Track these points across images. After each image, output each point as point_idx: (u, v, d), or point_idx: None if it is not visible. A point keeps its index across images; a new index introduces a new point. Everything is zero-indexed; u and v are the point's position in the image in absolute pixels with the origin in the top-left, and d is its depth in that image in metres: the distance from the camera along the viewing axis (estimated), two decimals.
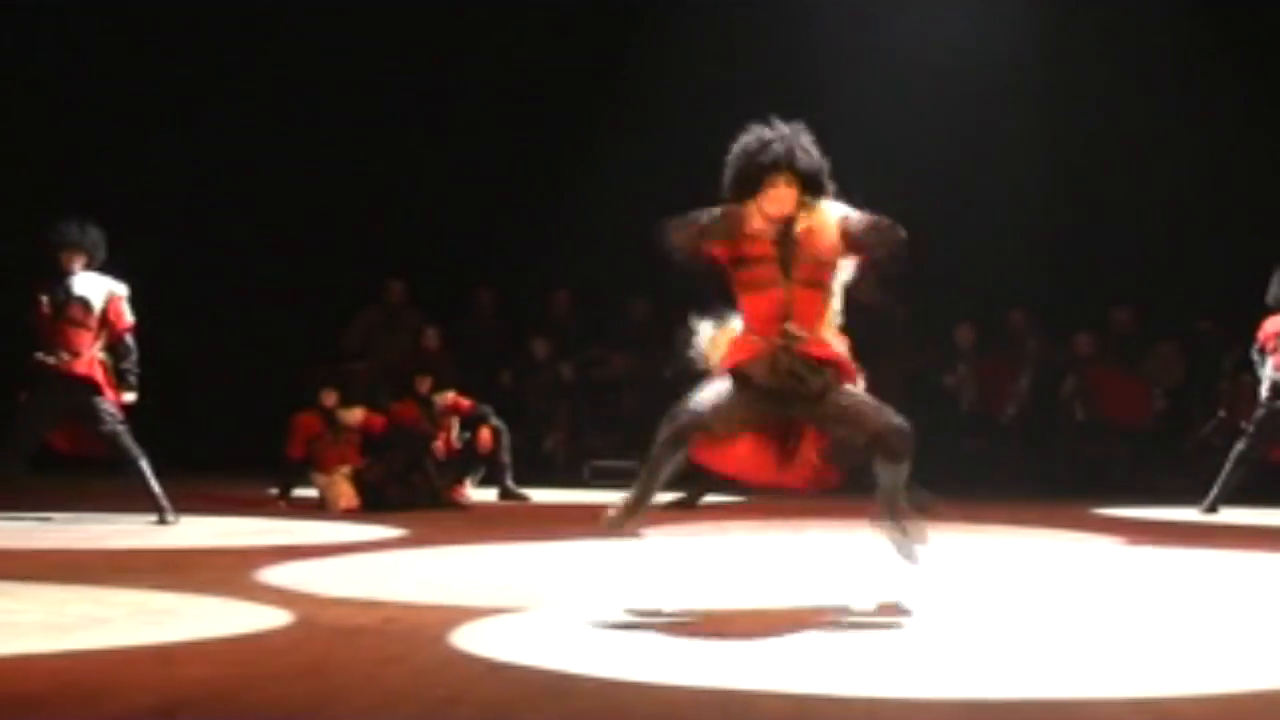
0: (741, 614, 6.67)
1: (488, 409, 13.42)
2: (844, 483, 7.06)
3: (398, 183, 16.67)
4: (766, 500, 12.90)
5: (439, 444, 12.84)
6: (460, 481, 12.98)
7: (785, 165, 6.70)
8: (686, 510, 12.21)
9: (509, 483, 13.34)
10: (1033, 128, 16.02)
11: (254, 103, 16.39)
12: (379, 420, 12.50)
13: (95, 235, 10.79)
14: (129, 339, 10.79)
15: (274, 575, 7.74)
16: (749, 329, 6.85)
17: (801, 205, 6.72)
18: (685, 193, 6.93)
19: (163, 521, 10.51)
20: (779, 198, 6.71)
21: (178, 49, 16.50)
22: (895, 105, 15.84)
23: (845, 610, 6.81)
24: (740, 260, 6.77)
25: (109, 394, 10.65)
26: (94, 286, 10.72)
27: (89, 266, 10.74)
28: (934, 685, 5.19)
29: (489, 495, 13.23)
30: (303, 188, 16.50)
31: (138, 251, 11.08)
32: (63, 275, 10.68)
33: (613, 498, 7.01)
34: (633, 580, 8.01)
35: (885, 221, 6.68)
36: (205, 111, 16.29)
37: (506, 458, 13.39)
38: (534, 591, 7.39)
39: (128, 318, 10.78)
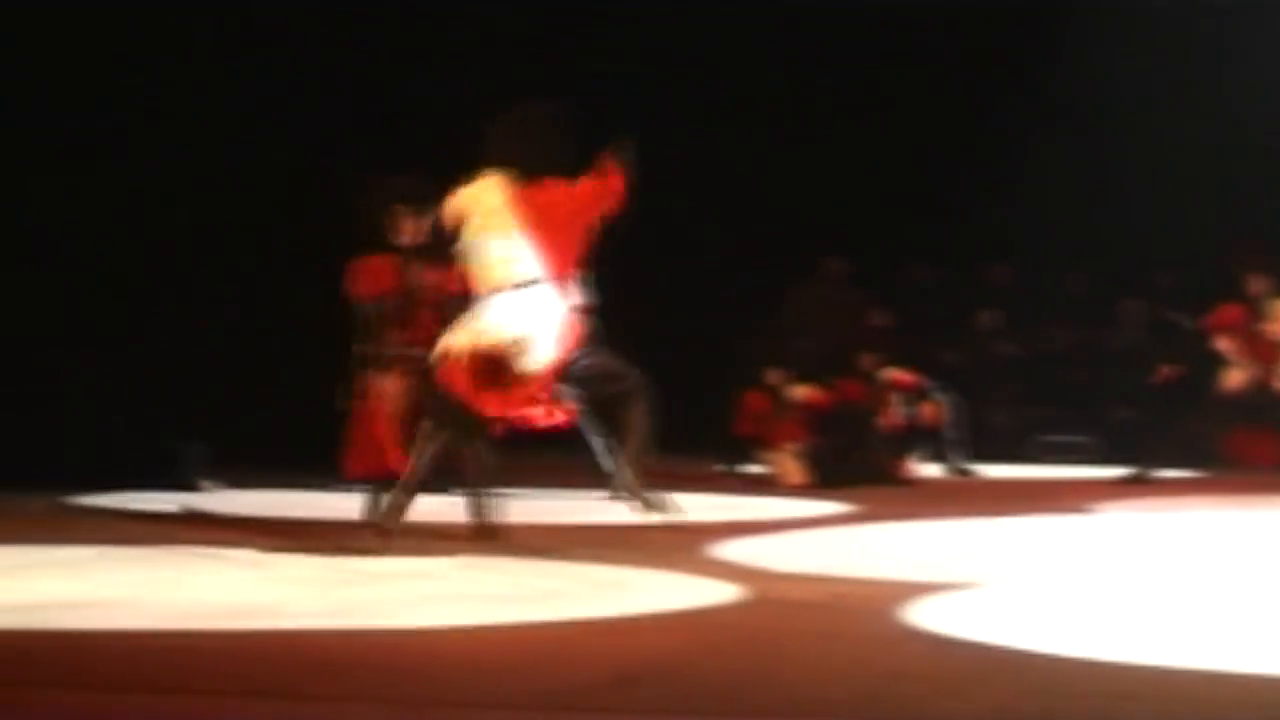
0: (1196, 593, 6.48)
1: (933, 384, 13.34)
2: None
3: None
4: (1226, 476, 12.49)
5: (881, 419, 12.83)
6: (902, 457, 12.94)
7: None
8: (1140, 485, 11.92)
9: (956, 457, 13.25)
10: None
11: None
12: (824, 397, 12.54)
13: None
14: None
15: (723, 550, 7.83)
16: None
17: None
18: None
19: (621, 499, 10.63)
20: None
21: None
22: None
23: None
24: None
25: None
26: None
27: None
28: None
29: (936, 471, 13.16)
30: None
31: None
32: None
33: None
34: (1082, 558, 7.87)
35: None
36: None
37: (953, 433, 13.30)
38: (983, 568, 7.31)
39: None
